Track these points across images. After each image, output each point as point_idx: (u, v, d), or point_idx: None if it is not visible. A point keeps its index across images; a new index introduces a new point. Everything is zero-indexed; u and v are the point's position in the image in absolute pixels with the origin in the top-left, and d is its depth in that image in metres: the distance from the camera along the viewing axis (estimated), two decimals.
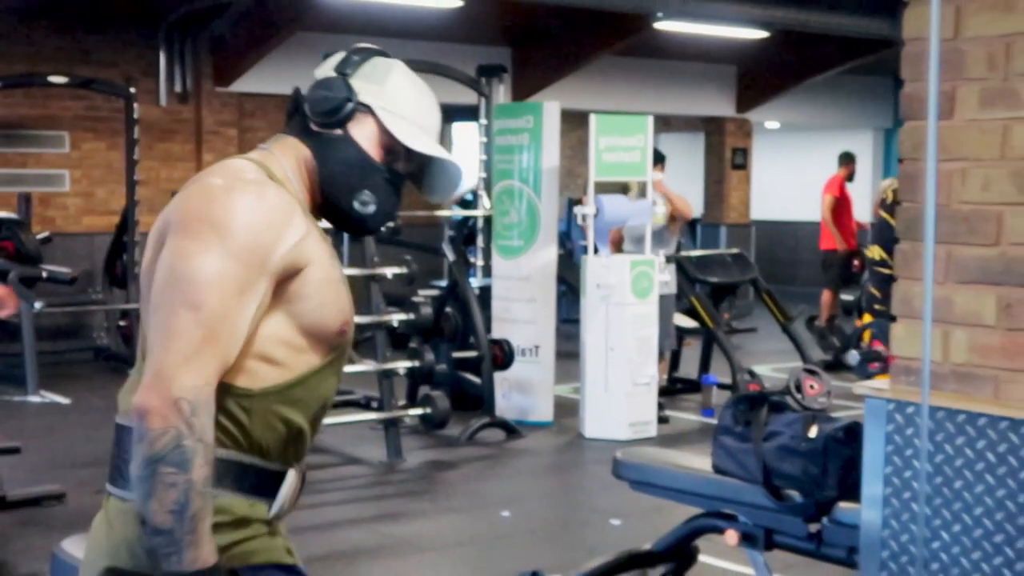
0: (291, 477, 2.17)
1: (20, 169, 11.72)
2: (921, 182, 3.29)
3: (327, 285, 2.14)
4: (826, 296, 13.20)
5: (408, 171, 2.31)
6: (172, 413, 1.88)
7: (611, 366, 8.22)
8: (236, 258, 1.99)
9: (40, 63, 11.41)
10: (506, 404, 8.56)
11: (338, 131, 2.20)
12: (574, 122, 13.62)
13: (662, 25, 12.12)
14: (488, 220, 9.31)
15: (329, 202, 2.24)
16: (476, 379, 8.43)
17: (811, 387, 8.63)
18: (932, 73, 3.14)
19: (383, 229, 2.23)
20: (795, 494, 4.43)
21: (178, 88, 12.40)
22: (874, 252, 10.39)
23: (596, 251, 8.54)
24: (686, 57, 14.78)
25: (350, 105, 2.18)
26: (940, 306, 3.29)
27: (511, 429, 8.25)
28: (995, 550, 3.15)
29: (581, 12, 12.47)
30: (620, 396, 8.22)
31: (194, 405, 1.90)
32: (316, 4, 10.86)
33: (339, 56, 2.26)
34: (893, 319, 3.60)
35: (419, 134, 2.24)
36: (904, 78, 3.41)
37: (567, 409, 8.84)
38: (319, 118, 2.20)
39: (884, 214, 10.13)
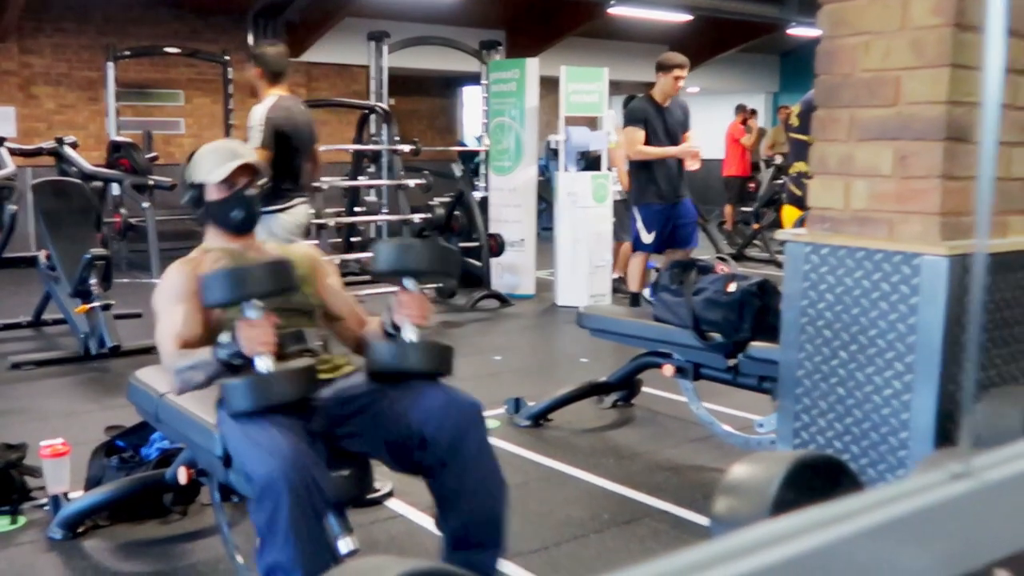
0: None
1: (148, 117, 11.11)
2: (837, 56, 2.66)
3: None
4: (728, 209, 12.60)
5: (240, 184, 2.75)
6: (166, 370, 2.56)
7: (576, 252, 7.64)
8: (165, 298, 2.61)
9: (160, 39, 10.72)
10: (500, 282, 7.97)
11: (203, 206, 2.76)
12: (550, 87, 12.96)
13: (614, 10, 11.40)
14: (487, 152, 8.62)
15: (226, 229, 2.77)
16: (478, 263, 7.84)
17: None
18: None
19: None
20: (717, 336, 3.88)
21: None
22: (799, 167, 9.49)
23: (566, 169, 7.91)
24: (630, 38, 13.98)
25: (195, 192, 2.75)
26: (843, 161, 2.69)
27: (503, 299, 7.68)
28: (886, 365, 2.59)
29: (555, 2, 11.84)
30: (583, 274, 7.63)
31: (168, 361, 2.52)
32: None
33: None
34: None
35: (213, 169, 2.71)
36: None
37: (545, 286, 8.27)
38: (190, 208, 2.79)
39: (794, 135, 9.23)
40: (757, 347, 3.72)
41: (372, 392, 2.50)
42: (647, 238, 6.56)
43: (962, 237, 2.48)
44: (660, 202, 6.51)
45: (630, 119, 6.58)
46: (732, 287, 3.91)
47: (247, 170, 2.76)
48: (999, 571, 0.51)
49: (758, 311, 3.70)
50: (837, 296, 2.68)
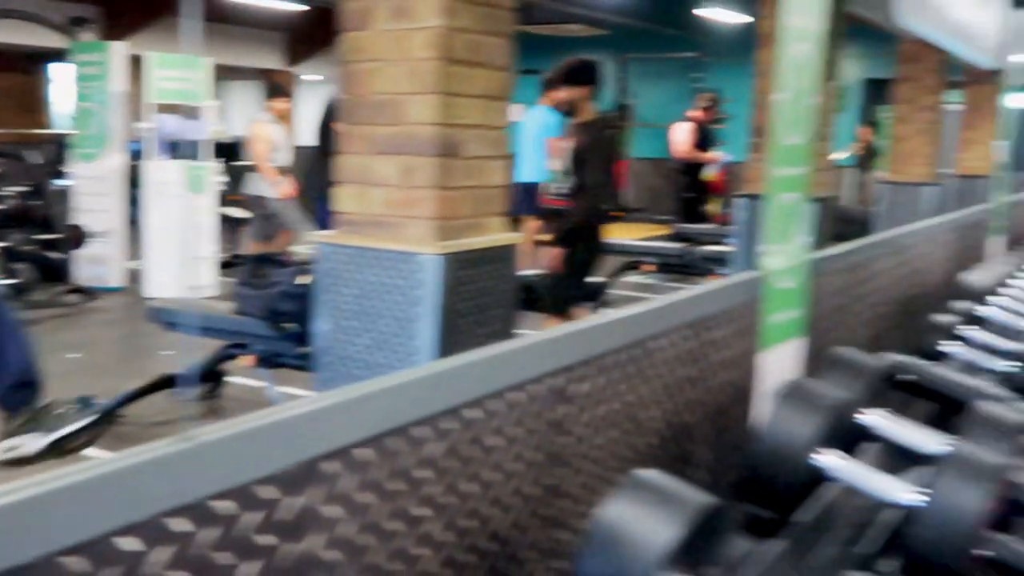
0: None
1: None
2: (356, 79, 2.98)
3: None
4: None
5: None
6: None
7: (169, 243, 7.51)
8: None
9: None
10: (85, 274, 7.61)
11: None
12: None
13: None
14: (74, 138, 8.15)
15: None
16: (58, 255, 7.43)
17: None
18: None
19: None
20: (291, 326, 4.13)
21: None
22: None
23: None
24: (247, 24, 13.76)
25: None
26: (364, 172, 3.02)
27: (87, 293, 7.35)
28: (395, 349, 2.96)
29: None
30: (178, 266, 7.52)
31: None
32: None
33: None
34: None
35: None
36: None
37: (138, 278, 8.00)
38: None
39: None
40: None
41: None
42: None
43: (453, 237, 2.91)
44: None
45: None
46: (304, 279, 4.17)
47: None
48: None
49: None
50: (357, 291, 3.01)
